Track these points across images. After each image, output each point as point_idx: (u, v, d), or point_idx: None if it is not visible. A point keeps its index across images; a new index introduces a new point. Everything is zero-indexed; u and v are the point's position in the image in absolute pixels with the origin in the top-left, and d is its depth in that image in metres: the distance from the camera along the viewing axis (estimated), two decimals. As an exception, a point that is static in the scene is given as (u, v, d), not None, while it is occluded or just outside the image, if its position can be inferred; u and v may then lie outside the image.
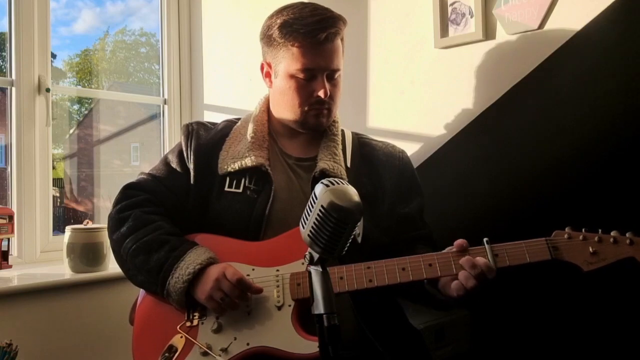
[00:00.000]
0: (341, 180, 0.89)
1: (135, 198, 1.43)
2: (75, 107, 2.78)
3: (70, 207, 2.69)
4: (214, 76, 2.47)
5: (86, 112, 2.80)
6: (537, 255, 1.18)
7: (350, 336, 1.31)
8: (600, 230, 1.16)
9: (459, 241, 1.23)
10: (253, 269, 1.30)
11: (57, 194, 2.50)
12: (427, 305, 1.40)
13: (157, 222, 1.38)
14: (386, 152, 1.51)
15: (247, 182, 1.40)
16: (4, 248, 1.89)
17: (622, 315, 1.79)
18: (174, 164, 1.48)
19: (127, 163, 2.93)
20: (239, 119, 1.55)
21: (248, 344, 1.24)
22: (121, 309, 1.60)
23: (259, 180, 1.40)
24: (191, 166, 1.46)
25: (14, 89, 2.04)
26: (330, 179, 0.89)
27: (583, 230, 1.17)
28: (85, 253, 1.91)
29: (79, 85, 2.76)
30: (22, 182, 2.03)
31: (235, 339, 1.25)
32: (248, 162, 1.40)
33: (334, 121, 1.49)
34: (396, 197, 1.45)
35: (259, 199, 1.38)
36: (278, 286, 1.27)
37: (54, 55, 2.23)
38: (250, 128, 1.47)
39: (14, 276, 1.85)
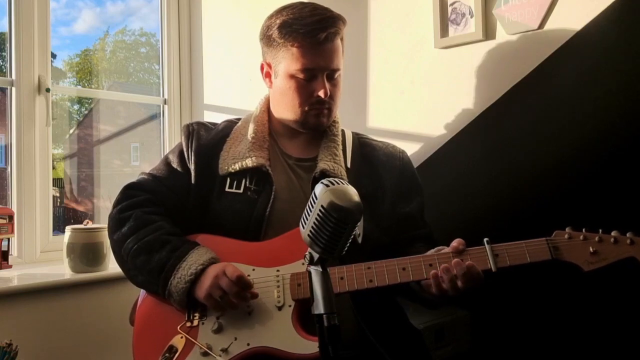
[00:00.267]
0: (341, 180, 0.89)
1: (136, 198, 1.43)
2: (75, 107, 2.78)
3: (70, 207, 2.69)
4: (214, 76, 2.47)
5: (86, 112, 2.80)
6: (537, 255, 1.18)
7: (350, 336, 1.31)
8: (600, 230, 1.16)
9: (455, 242, 1.23)
10: (253, 269, 1.30)
11: (57, 194, 2.50)
12: (414, 302, 1.40)
13: (158, 222, 1.38)
14: (386, 152, 1.51)
15: (247, 182, 1.40)
16: (4, 248, 1.89)
17: (622, 315, 1.79)
18: (175, 164, 1.48)
19: (127, 163, 2.93)
20: (239, 119, 1.55)
21: (248, 344, 1.24)
22: (121, 309, 1.60)
23: (259, 180, 1.40)
24: (192, 166, 1.46)
25: (14, 89, 2.04)
26: (330, 179, 0.89)
27: (583, 230, 1.17)
28: (85, 253, 1.91)
29: (79, 85, 2.76)
30: (22, 182, 2.03)
31: (235, 339, 1.25)
32: (249, 162, 1.40)
33: (334, 121, 1.49)
34: (397, 197, 1.45)
35: (259, 199, 1.38)
36: (278, 286, 1.27)
37: (54, 55, 2.23)
38: (251, 128, 1.47)
39: (14, 276, 1.85)
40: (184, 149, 1.49)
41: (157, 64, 2.61)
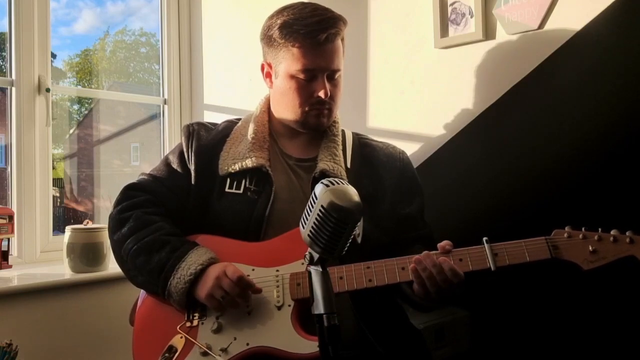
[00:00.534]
0: (341, 180, 0.89)
1: (136, 199, 1.43)
2: (75, 107, 2.78)
3: (70, 207, 2.69)
4: (214, 76, 2.47)
5: (86, 112, 2.80)
6: (536, 254, 1.18)
7: (350, 336, 1.31)
8: (600, 229, 1.16)
9: (442, 243, 1.23)
10: (253, 269, 1.30)
11: (57, 194, 2.50)
12: (407, 304, 1.40)
13: (158, 222, 1.38)
14: (387, 152, 1.51)
15: (247, 182, 1.40)
16: (4, 248, 1.89)
17: (622, 314, 1.79)
18: (175, 165, 1.48)
19: (127, 163, 2.93)
20: (239, 119, 1.55)
21: (248, 344, 1.24)
22: (121, 309, 1.60)
23: (259, 181, 1.40)
24: (192, 167, 1.46)
25: (14, 89, 2.04)
26: (330, 179, 0.89)
27: (583, 229, 1.17)
28: (85, 253, 1.91)
29: (79, 85, 2.76)
30: (22, 182, 2.03)
31: (235, 339, 1.25)
32: (249, 163, 1.40)
33: (334, 122, 1.49)
34: (397, 197, 1.45)
35: (259, 199, 1.38)
36: (278, 286, 1.27)
37: (54, 55, 2.23)
38: (251, 129, 1.47)
39: (14, 276, 1.85)
40: (184, 150, 1.49)
41: (157, 64, 2.61)
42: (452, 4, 1.71)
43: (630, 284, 1.63)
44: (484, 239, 1.21)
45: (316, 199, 0.88)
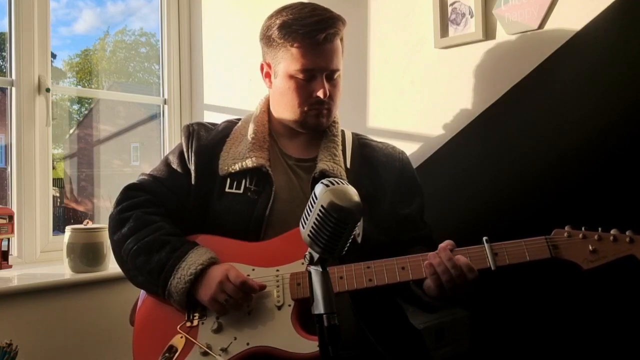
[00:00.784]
0: (341, 180, 0.89)
1: (136, 199, 1.43)
2: (75, 107, 2.78)
3: (70, 207, 2.69)
4: (214, 76, 2.47)
5: (86, 112, 2.80)
6: (536, 253, 1.18)
7: (350, 336, 1.31)
8: (599, 229, 1.16)
9: (443, 244, 1.23)
10: (253, 269, 1.30)
11: (57, 194, 2.50)
12: (415, 306, 1.40)
13: (158, 222, 1.38)
14: (386, 152, 1.51)
15: (247, 183, 1.41)
16: (4, 248, 1.89)
17: (622, 314, 1.79)
18: (175, 165, 1.48)
19: (127, 163, 2.93)
20: (239, 119, 1.55)
21: (248, 344, 1.24)
22: (121, 309, 1.60)
23: (259, 181, 1.40)
24: (192, 167, 1.46)
25: (14, 89, 2.04)
26: (330, 179, 0.89)
27: (583, 228, 1.17)
28: (85, 253, 1.91)
29: (79, 85, 2.76)
30: (22, 182, 2.03)
31: (235, 338, 1.25)
32: (249, 163, 1.40)
33: (334, 122, 1.49)
34: (396, 197, 1.45)
35: (259, 199, 1.38)
36: (278, 286, 1.27)
37: (54, 55, 2.23)
38: (251, 129, 1.47)
39: (14, 276, 1.85)
40: (184, 150, 1.49)
41: (157, 64, 2.61)
42: (452, 4, 1.71)
43: (630, 283, 1.63)
44: (484, 238, 1.21)
45: (316, 199, 0.88)
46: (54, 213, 2.14)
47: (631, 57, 1.55)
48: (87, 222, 2.01)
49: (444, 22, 1.73)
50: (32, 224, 2.05)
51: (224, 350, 1.24)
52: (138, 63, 3.01)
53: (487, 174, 1.85)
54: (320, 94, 1.37)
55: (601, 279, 1.39)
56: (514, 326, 1.94)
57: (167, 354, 1.27)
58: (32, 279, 1.82)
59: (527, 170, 1.80)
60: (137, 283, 1.38)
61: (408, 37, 1.82)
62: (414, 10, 1.80)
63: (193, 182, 1.44)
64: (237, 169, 1.41)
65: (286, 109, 1.44)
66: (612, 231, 1.15)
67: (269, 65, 1.45)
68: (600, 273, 1.15)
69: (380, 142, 1.55)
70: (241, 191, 1.40)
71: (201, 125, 1.55)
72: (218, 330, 1.27)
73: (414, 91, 1.82)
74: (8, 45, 2.06)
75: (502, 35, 1.62)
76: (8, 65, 2.07)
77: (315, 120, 1.41)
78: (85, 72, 2.72)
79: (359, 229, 1.29)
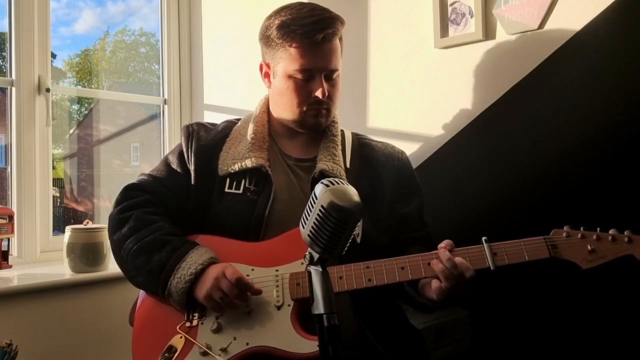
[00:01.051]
0: (341, 180, 0.89)
1: (136, 199, 1.43)
2: (75, 107, 2.78)
3: (70, 207, 2.69)
4: (214, 76, 2.47)
5: (86, 112, 2.80)
6: (535, 253, 1.18)
7: (350, 336, 1.31)
8: (598, 229, 1.16)
9: (443, 244, 1.23)
10: (253, 269, 1.30)
11: (57, 194, 2.50)
12: (408, 305, 1.40)
13: (158, 222, 1.38)
14: (386, 152, 1.51)
15: (247, 183, 1.41)
16: (4, 248, 1.89)
17: (621, 313, 1.79)
18: (175, 165, 1.48)
19: (127, 163, 2.93)
20: (238, 119, 1.56)
21: (247, 344, 1.24)
22: (121, 309, 1.60)
23: (259, 181, 1.40)
24: (192, 167, 1.46)
25: (14, 89, 2.04)
26: (330, 179, 0.89)
27: (581, 228, 1.17)
28: (85, 253, 1.91)
29: (79, 85, 2.76)
30: (22, 182, 2.03)
31: (234, 338, 1.25)
32: (248, 163, 1.40)
33: (333, 122, 1.49)
34: (395, 197, 1.45)
35: (259, 199, 1.38)
36: (277, 286, 1.27)
37: (54, 55, 2.23)
38: (251, 129, 1.47)
39: (14, 276, 1.85)
40: (184, 150, 1.49)
41: (157, 64, 2.62)
42: (452, 4, 1.71)
43: (629, 283, 1.63)
44: (483, 238, 1.21)
45: (316, 199, 0.88)
46: (54, 213, 2.14)
47: (631, 57, 1.55)
48: (87, 222, 2.02)
49: (444, 22, 1.73)
50: (32, 224, 2.05)
51: (224, 350, 1.24)
52: (138, 63, 3.01)
53: (487, 174, 1.85)
54: (318, 93, 1.37)
55: (600, 278, 1.39)
56: (514, 326, 1.94)
57: (166, 354, 1.27)
58: (32, 279, 1.82)
59: (526, 170, 1.80)
60: (136, 283, 1.38)
61: (408, 37, 1.82)
62: (414, 10, 1.80)
63: (193, 182, 1.44)
64: (237, 169, 1.41)
65: (285, 109, 1.44)
66: (611, 231, 1.15)
67: (268, 66, 1.46)
68: (599, 273, 1.15)
69: (379, 142, 1.55)
70: (241, 191, 1.40)
71: (201, 125, 1.55)
72: (217, 330, 1.27)
73: (414, 91, 1.82)
74: (8, 45, 2.06)
75: (502, 35, 1.62)
76: (8, 65, 2.07)
77: (314, 120, 1.41)
78: (85, 72, 2.72)
79: (358, 229, 1.30)
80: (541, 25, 1.54)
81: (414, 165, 1.58)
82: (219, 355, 1.24)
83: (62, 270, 1.92)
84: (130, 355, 1.35)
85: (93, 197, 2.76)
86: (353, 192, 0.88)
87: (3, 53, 2.17)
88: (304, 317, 1.24)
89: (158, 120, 2.58)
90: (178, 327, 1.30)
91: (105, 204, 2.64)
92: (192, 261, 1.29)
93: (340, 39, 1.42)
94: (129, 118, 2.85)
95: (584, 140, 1.69)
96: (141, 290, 1.41)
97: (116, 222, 1.41)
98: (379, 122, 1.91)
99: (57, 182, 2.50)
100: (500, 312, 1.95)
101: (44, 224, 2.08)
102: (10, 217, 1.90)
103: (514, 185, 1.82)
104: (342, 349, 0.86)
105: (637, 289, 1.67)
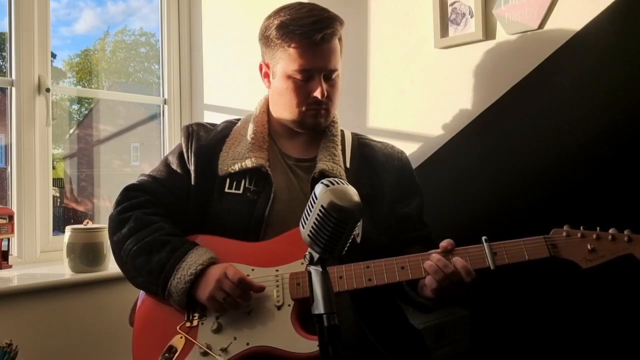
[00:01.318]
0: (341, 180, 0.89)
1: (136, 199, 1.43)
2: (75, 107, 2.78)
3: (70, 207, 2.69)
4: (214, 76, 2.47)
5: (86, 112, 2.80)
6: (535, 253, 1.18)
7: (350, 336, 1.31)
8: (598, 228, 1.16)
9: (444, 242, 1.23)
10: (253, 269, 1.30)
11: (57, 194, 2.50)
12: (408, 305, 1.40)
13: (158, 223, 1.38)
14: (385, 152, 1.51)
15: (247, 183, 1.41)
16: (4, 248, 1.89)
17: (621, 313, 1.79)
18: (175, 166, 1.48)
19: (127, 163, 2.93)
20: (238, 119, 1.56)
21: (248, 344, 1.24)
22: (121, 309, 1.60)
23: (259, 181, 1.40)
24: (192, 167, 1.46)
25: (14, 89, 2.04)
26: (330, 179, 0.89)
27: (581, 228, 1.17)
28: (85, 253, 1.91)
29: (79, 85, 2.76)
30: (22, 182, 2.03)
31: (235, 338, 1.25)
32: (248, 163, 1.40)
33: (333, 122, 1.49)
34: (395, 197, 1.45)
35: (259, 200, 1.38)
36: (277, 286, 1.28)
37: (54, 55, 2.23)
38: (251, 129, 1.47)
39: (14, 276, 1.85)
40: (184, 150, 1.49)
41: (157, 64, 2.62)
42: (452, 4, 1.71)
43: (628, 282, 1.63)
44: (483, 238, 1.21)
45: (316, 199, 0.88)
46: (54, 213, 2.14)
47: (631, 57, 1.55)
48: (87, 222, 2.01)
49: (444, 22, 1.73)
50: (32, 224, 2.05)
51: (224, 350, 1.24)
52: (138, 63, 3.01)
53: (487, 174, 1.85)
54: (317, 94, 1.37)
55: (600, 278, 1.39)
56: (514, 326, 1.94)
57: (166, 354, 1.27)
58: (32, 279, 1.82)
59: (526, 170, 1.80)
60: (136, 284, 1.38)
61: (408, 37, 1.82)
62: (414, 10, 1.80)
63: (193, 183, 1.44)
64: (237, 169, 1.41)
65: (284, 109, 1.44)
66: (611, 230, 1.15)
67: (267, 66, 1.46)
68: (599, 272, 1.15)
69: (379, 142, 1.55)
70: (241, 191, 1.40)
71: (201, 125, 1.55)
72: (218, 330, 1.27)
73: (414, 91, 1.82)
74: (8, 45, 2.06)
75: (502, 35, 1.62)
76: (8, 65, 2.07)
77: (313, 121, 1.41)
78: (85, 72, 2.72)
79: (358, 229, 1.30)
80: (541, 25, 1.54)
81: (414, 165, 1.58)
82: (219, 355, 1.24)
83: (62, 270, 1.92)
84: (130, 355, 1.35)
85: (93, 197, 2.76)
86: (353, 192, 0.88)
87: (3, 53, 2.17)
88: (304, 317, 1.24)
89: (158, 120, 2.58)
90: (178, 327, 1.30)
91: (105, 204, 2.64)
92: (192, 261, 1.29)
93: (340, 39, 1.42)
94: (129, 118, 2.85)
95: (584, 140, 1.69)
96: (141, 291, 1.41)
97: (116, 223, 1.41)
98: (379, 122, 1.91)
99: (57, 182, 2.50)
100: (500, 312, 1.95)
101: (44, 224, 2.08)
102: (10, 217, 1.90)
103: (514, 185, 1.82)
104: (342, 349, 0.86)
105: (637, 288, 1.67)
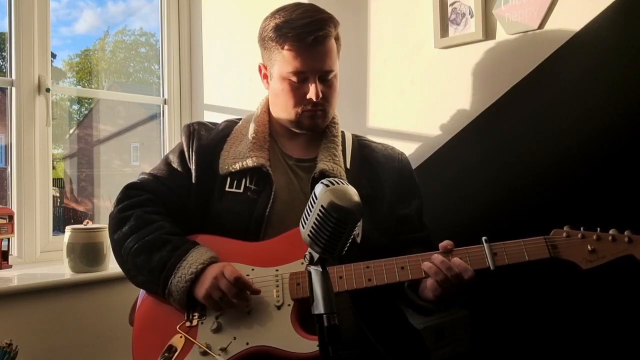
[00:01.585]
0: (341, 180, 0.89)
1: (136, 198, 1.43)
2: (75, 107, 2.78)
3: (70, 207, 2.69)
4: (214, 76, 2.47)
5: (86, 112, 2.80)
6: (535, 253, 1.18)
7: (350, 336, 1.31)
8: (598, 229, 1.16)
9: (444, 243, 1.23)
10: (253, 269, 1.30)
11: (57, 194, 2.50)
12: (407, 307, 1.40)
13: (158, 221, 1.38)
14: (385, 154, 1.51)
15: (247, 182, 1.41)
16: (4, 248, 1.89)
17: (621, 313, 1.79)
18: (175, 164, 1.48)
19: (127, 163, 2.93)
20: (239, 119, 1.56)
21: (247, 344, 1.24)
22: (121, 309, 1.60)
23: (259, 180, 1.40)
24: (193, 166, 1.46)
25: (14, 89, 2.04)
26: (330, 179, 0.89)
27: (582, 228, 1.17)
28: (85, 253, 1.91)
29: (79, 85, 2.76)
30: (22, 182, 2.03)
31: (234, 338, 1.25)
32: (249, 162, 1.40)
33: (334, 122, 1.49)
34: (395, 198, 1.45)
35: (259, 199, 1.38)
36: (277, 286, 1.28)
37: (54, 55, 2.23)
38: (252, 128, 1.47)
39: (14, 276, 1.85)
40: (185, 149, 1.49)
41: (157, 64, 2.62)
42: (452, 4, 1.72)
43: (629, 283, 1.63)
44: (483, 238, 1.21)
45: (316, 199, 0.88)
46: (54, 213, 2.14)
47: (631, 57, 1.55)
48: (87, 222, 2.02)
49: (444, 22, 1.73)
50: (32, 224, 2.05)
51: (224, 350, 1.24)
52: (138, 63, 3.01)
53: (487, 174, 1.85)
54: (311, 95, 1.37)
55: (600, 278, 1.39)
56: (514, 326, 1.94)
57: (166, 354, 1.27)
58: (32, 279, 1.82)
59: (526, 171, 1.80)
60: (137, 282, 1.38)
61: (408, 37, 1.82)
62: (414, 10, 1.80)
63: (194, 182, 1.44)
64: (238, 168, 1.41)
65: (282, 110, 1.44)
66: (611, 231, 1.15)
67: (265, 67, 1.46)
68: (599, 273, 1.15)
69: (379, 144, 1.55)
70: (241, 190, 1.40)
71: (202, 124, 1.55)
72: (217, 330, 1.27)
73: (414, 91, 1.82)
74: (8, 45, 2.07)
75: (502, 35, 1.62)
76: (8, 65, 2.07)
77: (310, 122, 1.41)
78: (85, 72, 2.72)
79: (358, 229, 1.30)
80: (541, 25, 1.54)
81: (414, 165, 1.58)
82: (219, 355, 1.24)
83: (62, 270, 1.92)
84: (130, 355, 1.35)
85: (93, 197, 2.76)
86: (353, 192, 0.88)
87: (3, 53, 2.17)
88: (304, 317, 1.24)
89: (158, 120, 2.58)
90: (178, 326, 1.30)
91: (105, 204, 2.64)
92: (193, 260, 1.29)
93: (337, 39, 1.41)
94: (129, 118, 2.85)
95: (584, 140, 1.69)
96: (141, 290, 1.41)
97: (117, 221, 1.41)
98: (379, 122, 1.91)
99: (57, 182, 2.50)
100: (500, 312, 1.95)
101: (44, 224, 2.09)
102: (10, 217, 1.90)
103: (513, 185, 1.82)
104: (342, 349, 0.86)
105: (637, 289, 1.67)
